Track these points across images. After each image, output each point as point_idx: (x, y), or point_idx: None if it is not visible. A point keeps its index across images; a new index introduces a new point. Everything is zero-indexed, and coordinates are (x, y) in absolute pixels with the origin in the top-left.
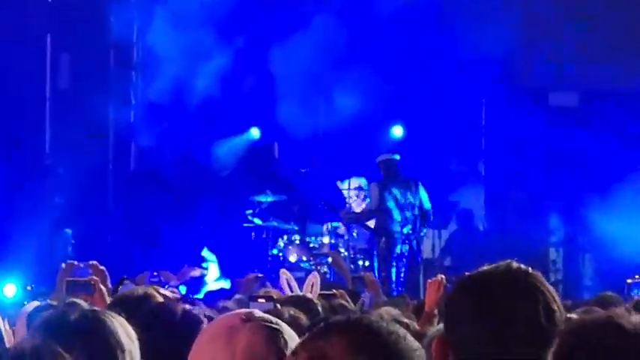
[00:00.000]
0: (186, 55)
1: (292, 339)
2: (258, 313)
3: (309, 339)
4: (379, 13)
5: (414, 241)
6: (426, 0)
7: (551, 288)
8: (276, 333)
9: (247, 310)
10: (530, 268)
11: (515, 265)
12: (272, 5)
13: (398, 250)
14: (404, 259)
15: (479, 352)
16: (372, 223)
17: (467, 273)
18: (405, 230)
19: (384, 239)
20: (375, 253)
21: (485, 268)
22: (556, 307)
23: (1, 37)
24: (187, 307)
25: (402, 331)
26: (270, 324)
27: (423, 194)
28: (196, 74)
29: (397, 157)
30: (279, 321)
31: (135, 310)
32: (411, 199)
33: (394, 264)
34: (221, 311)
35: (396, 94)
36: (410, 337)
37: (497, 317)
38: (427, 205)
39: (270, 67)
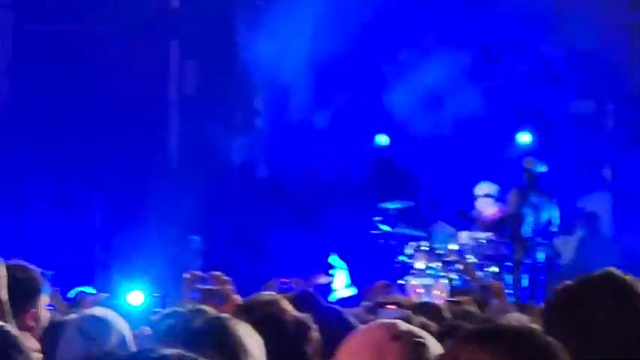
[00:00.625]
0: (308, 65)
1: (435, 351)
2: (403, 326)
3: (459, 347)
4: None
5: (549, 249)
6: None
7: None
8: (424, 348)
9: (391, 321)
10: (630, 279)
11: (614, 272)
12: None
13: (532, 257)
14: (537, 267)
15: None
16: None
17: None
18: (539, 239)
19: (518, 246)
20: (506, 259)
21: (587, 276)
22: None
23: (127, 43)
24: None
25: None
26: (417, 339)
27: (556, 209)
28: (319, 84)
29: (544, 168)
30: (425, 334)
31: (260, 316)
32: (547, 210)
33: (526, 271)
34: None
35: (522, 101)
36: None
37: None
38: (556, 221)
39: (393, 71)
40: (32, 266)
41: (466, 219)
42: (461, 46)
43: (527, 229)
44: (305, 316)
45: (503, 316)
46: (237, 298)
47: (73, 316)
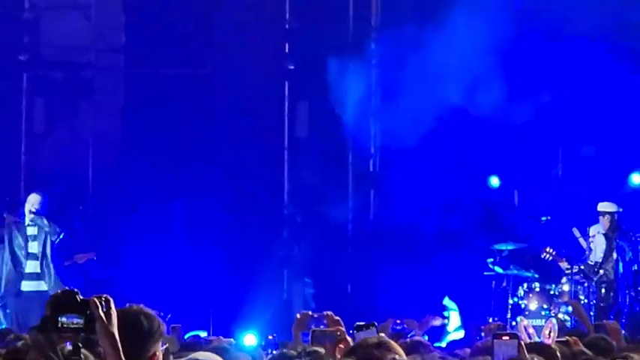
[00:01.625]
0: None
1: None
2: None
3: None
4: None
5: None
6: None
7: None
8: None
9: None
10: None
11: None
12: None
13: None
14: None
15: None
16: None
17: None
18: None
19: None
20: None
21: None
22: None
23: (241, 87)
24: None
25: None
26: None
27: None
28: (431, 124)
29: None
30: None
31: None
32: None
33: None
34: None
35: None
36: None
37: None
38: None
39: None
40: (153, 311)
41: (569, 262)
42: None
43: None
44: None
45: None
46: (349, 339)
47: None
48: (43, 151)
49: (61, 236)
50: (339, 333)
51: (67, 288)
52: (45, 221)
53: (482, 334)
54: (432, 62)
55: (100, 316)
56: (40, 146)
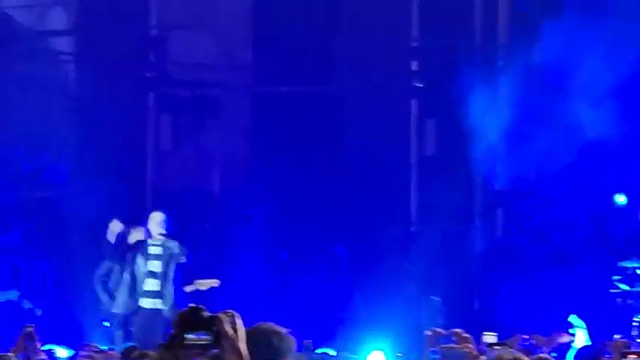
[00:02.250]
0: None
1: None
2: None
3: None
4: None
5: None
6: None
7: None
8: None
9: None
10: None
11: None
12: None
13: None
14: None
15: None
16: None
17: None
18: None
19: None
20: None
21: None
22: None
23: (368, 104)
24: None
25: None
26: None
27: None
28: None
29: None
30: None
31: None
32: None
33: None
34: None
35: None
36: None
37: None
38: None
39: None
40: (283, 328)
41: None
42: None
43: None
44: None
45: None
46: (480, 357)
47: None
48: (170, 169)
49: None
50: (466, 350)
51: (192, 305)
52: (174, 242)
53: (609, 350)
54: (558, 78)
55: (227, 332)
56: (167, 164)
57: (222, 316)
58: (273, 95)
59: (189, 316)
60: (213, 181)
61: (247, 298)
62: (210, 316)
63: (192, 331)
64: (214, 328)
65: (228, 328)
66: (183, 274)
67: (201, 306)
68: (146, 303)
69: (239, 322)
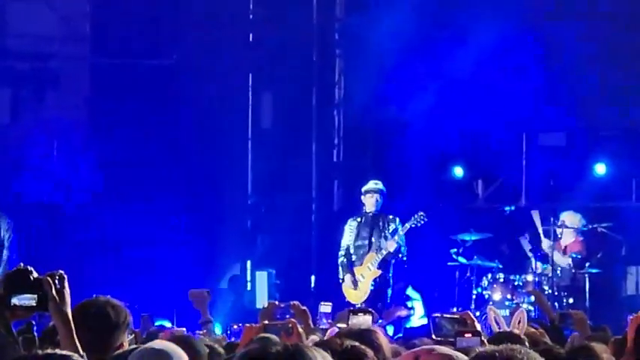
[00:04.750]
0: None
1: None
2: (439, 349)
3: None
4: None
5: None
6: None
7: None
8: None
9: (428, 347)
10: None
11: None
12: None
13: None
14: None
15: None
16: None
17: None
18: None
19: None
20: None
21: None
22: None
23: (204, 76)
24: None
25: None
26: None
27: None
28: (396, 112)
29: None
30: (458, 354)
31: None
32: None
33: None
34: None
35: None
36: None
37: None
38: None
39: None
40: (119, 302)
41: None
42: None
43: None
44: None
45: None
46: (300, 332)
47: (136, 348)
48: (9, 142)
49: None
50: (290, 325)
51: (20, 266)
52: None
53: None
54: (395, 49)
55: (53, 294)
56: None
57: (48, 278)
58: (112, 67)
59: (16, 277)
60: (51, 152)
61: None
62: (36, 278)
63: (19, 292)
64: (40, 290)
65: (53, 290)
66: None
67: (29, 267)
68: None
69: (66, 284)
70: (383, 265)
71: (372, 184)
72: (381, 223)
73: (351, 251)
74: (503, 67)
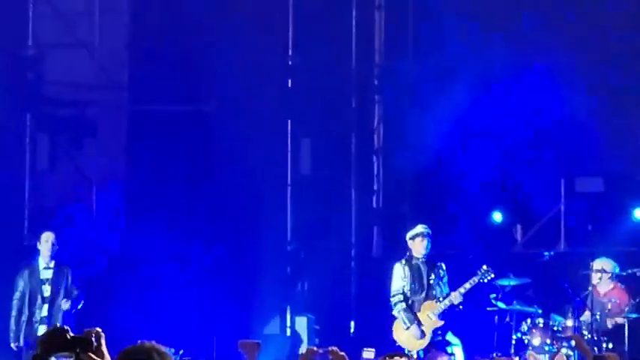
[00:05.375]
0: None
1: None
2: None
3: None
4: None
5: None
6: None
7: None
8: None
9: None
10: None
11: None
12: None
13: None
14: None
15: None
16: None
17: None
18: None
19: None
20: None
21: None
22: None
23: (243, 122)
24: None
25: None
26: None
27: None
28: (435, 160)
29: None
30: None
31: None
32: None
33: None
34: None
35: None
36: None
37: None
38: None
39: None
40: (164, 347)
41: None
42: None
43: None
44: None
45: None
46: None
47: None
48: (47, 188)
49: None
50: None
51: (57, 325)
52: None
53: None
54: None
55: (89, 354)
56: (44, 184)
57: (84, 337)
58: (150, 114)
59: (53, 337)
60: (90, 199)
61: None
62: (73, 337)
63: (55, 352)
64: (77, 349)
65: (90, 348)
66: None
67: (65, 327)
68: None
69: (103, 341)
70: (441, 315)
71: (421, 228)
72: (435, 269)
73: (408, 295)
74: (544, 116)
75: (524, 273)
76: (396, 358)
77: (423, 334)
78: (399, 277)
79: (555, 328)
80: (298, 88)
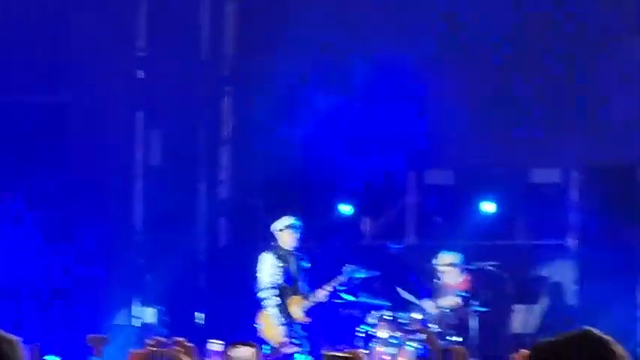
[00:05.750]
0: (276, 130)
1: None
2: None
3: None
4: None
5: None
6: None
7: (625, 356)
8: None
9: None
10: (606, 337)
11: (591, 333)
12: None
13: None
14: None
15: None
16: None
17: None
18: None
19: None
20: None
21: (561, 335)
22: None
23: (94, 113)
24: None
25: None
26: None
27: None
28: (286, 150)
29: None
30: None
31: None
32: None
33: None
34: None
35: (482, 169)
36: None
37: None
38: None
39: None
40: (14, 336)
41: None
42: None
43: None
44: None
45: None
46: None
47: None
48: None
49: None
50: (174, 354)
51: None
52: None
53: None
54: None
55: None
56: None
57: None
58: (4, 105)
59: None
60: None
61: None
62: None
63: None
64: None
65: None
66: None
67: None
68: None
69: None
70: (308, 312)
71: (292, 220)
72: (300, 263)
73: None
74: (394, 103)
75: (372, 265)
76: (238, 345)
77: (290, 333)
78: (270, 270)
79: (403, 322)
80: (149, 80)
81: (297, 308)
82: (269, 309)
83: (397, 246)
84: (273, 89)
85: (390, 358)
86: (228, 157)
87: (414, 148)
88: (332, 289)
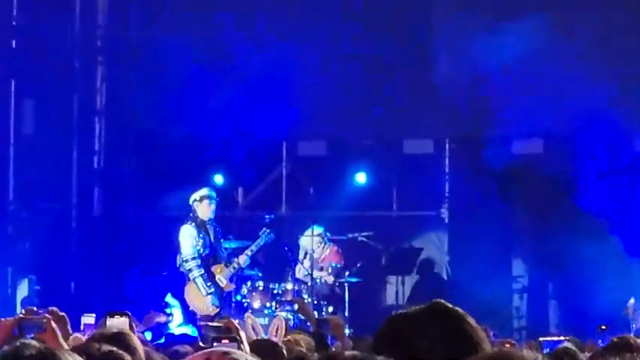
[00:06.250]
0: (150, 101)
1: None
2: (233, 353)
3: None
4: None
5: None
6: None
7: (476, 327)
8: None
9: (223, 350)
10: (455, 309)
11: (440, 305)
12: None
13: None
14: None
15: None
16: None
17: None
18: None
19: None
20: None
21: (412, 308)
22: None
23: None
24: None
25: None
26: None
27: None
28: (159, 121)
29: None
30: (242, 354)
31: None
32: None
33: None
34: (172, 355)
35: (357, 141)
36: None
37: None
38: None
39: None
40: None
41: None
42: None
43: None
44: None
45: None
46: (54, 327)
47: None
48: None
49: None
50: (44, 320)
51: None
52: None
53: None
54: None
55: None
56: None
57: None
58: None
59: None
60: None
61: None
62: None
63: None
64: None
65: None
66: None
67: None
68: None
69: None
70: (231, 278)
71: (209, 191)
72: (217, 231)
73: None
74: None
75: (245, 236)
76: (116, 316)
77: (220, 301)
78: (191, 240)
79: (275, 292)
80: (22, 49)
81: (220, 276)
82: (195, 280)
83: (270, 217)
84: (147, 61)
85: (261, 328)
86: (101, 126)
87: (287, 119)
88: (251, 253)
